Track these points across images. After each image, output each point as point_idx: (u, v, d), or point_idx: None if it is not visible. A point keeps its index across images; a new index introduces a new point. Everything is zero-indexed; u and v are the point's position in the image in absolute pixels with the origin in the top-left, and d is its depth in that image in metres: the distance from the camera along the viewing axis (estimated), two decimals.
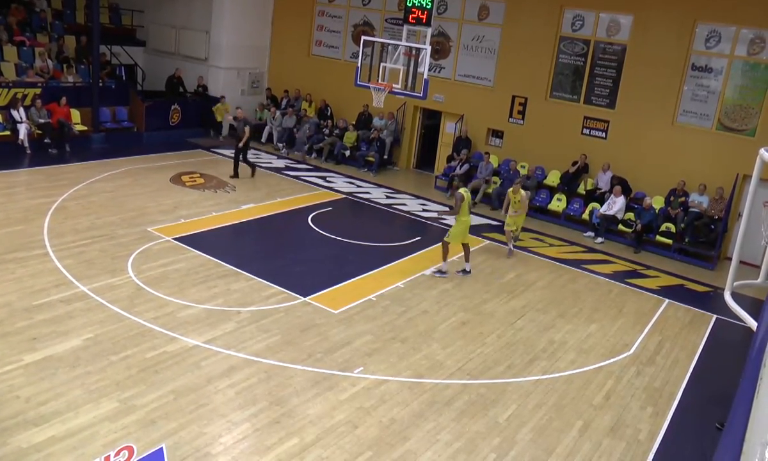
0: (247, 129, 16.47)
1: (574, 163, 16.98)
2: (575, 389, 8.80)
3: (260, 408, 7.41)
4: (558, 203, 16.85)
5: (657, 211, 15.57)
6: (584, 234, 15.92)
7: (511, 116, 18.33)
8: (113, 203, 13.55)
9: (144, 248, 11.41)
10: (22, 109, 16.93)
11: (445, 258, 12.03)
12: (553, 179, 17.49)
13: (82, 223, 12.26)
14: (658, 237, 15.25)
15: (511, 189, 13.60)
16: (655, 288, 12.98)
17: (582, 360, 9.64)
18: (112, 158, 17.07)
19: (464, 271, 12.23)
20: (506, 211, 13.62)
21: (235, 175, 16.65)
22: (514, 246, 13.84)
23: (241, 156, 16.69)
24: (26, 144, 16.63)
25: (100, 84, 18.92)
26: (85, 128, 18.41)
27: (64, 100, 17.64)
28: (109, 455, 6.35)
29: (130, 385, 7.51)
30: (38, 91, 17.65)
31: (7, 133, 16.77)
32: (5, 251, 10.61)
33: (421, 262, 12.57)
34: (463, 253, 12.34)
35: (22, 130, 16.64)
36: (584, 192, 16.78)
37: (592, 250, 14.97)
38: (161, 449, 6.51)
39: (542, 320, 10.78)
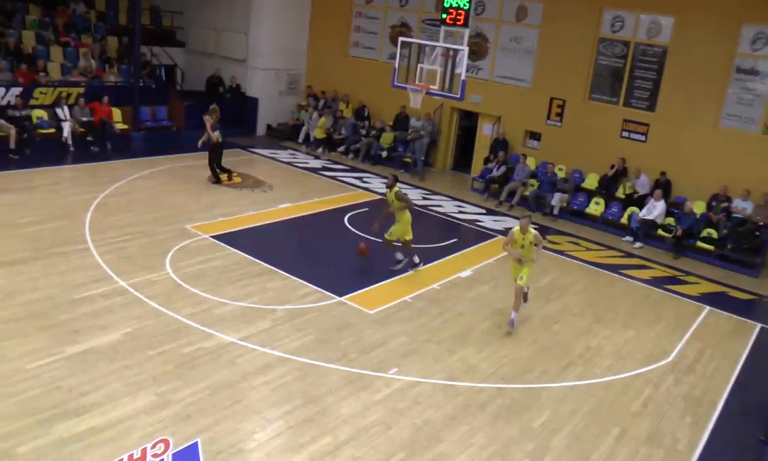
0: (216, 134, 15.62)
1: (612, 166, 16.74)
2: (612, 395, 8.65)
3: (294, 406, 7.44)
4: (596, 207, 16.61)
5: (698, 216, 15.24)
6: (622, 239, 15.66)
7: (548, 117, 18.14)
8: (152, 200, 13.77)
9: (182, 245, 11.57)
10: (66, 108, 17.37)
11: (403, 251, 11.90)
12: (591, 182, 17.25)
13: (123, 219, 12.48)
14: (698, 243, 14.92)
15: (517, 227, 9.98)
16: (695, 295, 12.70)
17: (619, 366, 9.47)
18: (152, 156, 17.37)
19: (414, 265, 11.88)
20: (506, 250, 10.19)
21: (217, 180, 15.82)
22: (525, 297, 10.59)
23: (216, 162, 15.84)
24: (69, 141, 17.02)
25: (141, 84, 19.27)
26: (126, 127, 18.78)
27: (105, 99, 18.02)
28: (146, 447, 6.44)
29: (167, 380, 7.61)
30: (81, 90, 18.09)
31: (52, 130, 17.20)
32: (49, 246, 10.86)
33: (458, 264, 12.51)
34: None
35: (66, 128, 17.06)
36: (623, 196, 16.51)
37: (630, 255, 14.71)
38: (196, 443, 6.58)
39: (578, 325, 10.63)
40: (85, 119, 17.57)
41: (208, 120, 15.67)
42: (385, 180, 12.57)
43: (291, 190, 15.92)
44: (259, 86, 21.55)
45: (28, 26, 19.56)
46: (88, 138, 17.50)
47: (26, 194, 13.02)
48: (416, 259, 11.88)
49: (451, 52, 13.80)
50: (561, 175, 17.22)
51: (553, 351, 9.62)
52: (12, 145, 15.84)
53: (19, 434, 6.45)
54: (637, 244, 15.26)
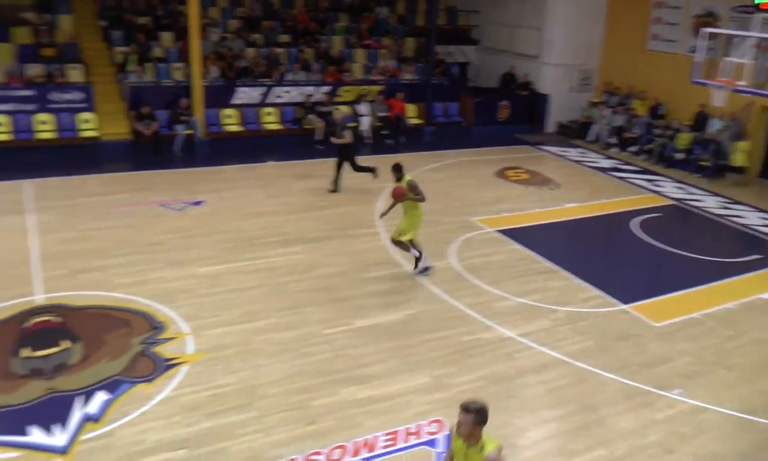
0: (347, 134, 14.09)
1: None
2: None
3: (569, 411, 7.05)
4: None
5: None
6: None
7: None
8: (440, 192, 14.19)
9: (466, 237, 11.72)
10: (365, 104, 18.79)
11: (419, 253, 10.06)
12: None
13: None
14: None
15: None
16: None
17: None
18: (442, 150, 17.98)
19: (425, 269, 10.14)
20: None
21: (335, 188, 14.08)
22: None
23: (351, 165, 14.15)
24: (367, 135, 18.39)
25: (434, 81, 20.08)
26: (419, 122, 19.71)
27: (401, 95, 19.10)
28: (421, 424, 6.58)
29: (444, 364, 7.71)
30: (380, 88, 19.40)
31: (353, 124, 18.67)
32: (343, 227, 11.81)
33: (759, 284, 10.82)
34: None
35: (365, 122, 18.49)
36: None
37: None
38: None
39: None
40: (382, 114, 18.86)
41: (339, 115, 15.19)
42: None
43: (578, 189, 15.28)
44: (550, 83, 21.10)
45: (337, 32, 21.56)
46: (384, 132, 18.73)
47: (328, 180, 14.25)
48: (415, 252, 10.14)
49: (766, 44, 12.05)
50: None
51: None
52: (319, 137, 17.57)
53: (314, 390, 7.11)
54: None
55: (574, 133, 20.65)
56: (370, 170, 14.31)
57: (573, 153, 18.82)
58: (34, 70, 16.54)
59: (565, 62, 21.06)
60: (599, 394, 7.42)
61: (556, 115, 21.28)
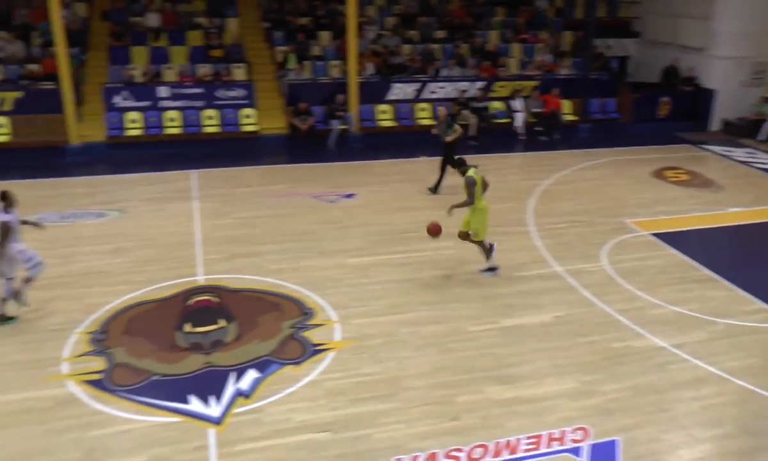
0: (450, 132, 13.37)
1: None
2: None
3: (727, 432, 6.66)
4: None
5: None
6: None
7: None
8: (594, 191, 13.82)
9: (619, 239, 11.35)
10: (520, 100, 18.60)
11: (488, 254, 9.90)
12: None
13: (563, 207, 12.83)
14: None
15: None
16: None
17: None
18: (597, 148, 17.45)
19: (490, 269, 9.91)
20: None
21: (435, 189, 13.60)
22: None
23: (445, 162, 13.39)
24: (521, 131, 18.24)
25: (592, 76, 19.47)
26: (574, 118, 19.22)
27: (556, 91, 18.71)
28: (565, 430, 6.53)
29: (592, 370, 7.58)
30: (535, 83, 19.13)
31: (507, 120, 18.61)
32: (494, 224, 11.73)
33: None
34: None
35: (519, 118, 18.34)
36: None
37: None
38: (616, 441, 6.41)
39: None
40: (536, 110, 18.59)
41: (443, 112, 14.13)
42: None
43: (744, 192, 14.24)
44: (716, 77, 19.69)
45: (493, 26, 21.46)
46: (537, 128, 18.46)
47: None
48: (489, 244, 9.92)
49: None
50: None
51: None
52: (472, 132, 17.65)
53: (458, 386, 7.24)
54: None
55: (743, 131, 19.18)
56: (439, 183, 13.55)
57: (739, 153, 17.54)
58: (204, 69, 18.04)
59: (735, 54, 19.57)
60: (763, 419, 6.93)
61: (721, 112, 19.87)
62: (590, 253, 10.73)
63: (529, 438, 6.45)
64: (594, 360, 7.78)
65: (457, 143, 13.50)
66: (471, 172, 9.56)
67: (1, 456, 6.16)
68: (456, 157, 10.34)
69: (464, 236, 9.89)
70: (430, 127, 18.19)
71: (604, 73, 20.20)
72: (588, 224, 11.89)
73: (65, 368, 7.52)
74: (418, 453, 6.22)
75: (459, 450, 6.28)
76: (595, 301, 9.17)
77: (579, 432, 6.54)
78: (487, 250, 9.92)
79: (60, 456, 6.16)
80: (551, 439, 6.44)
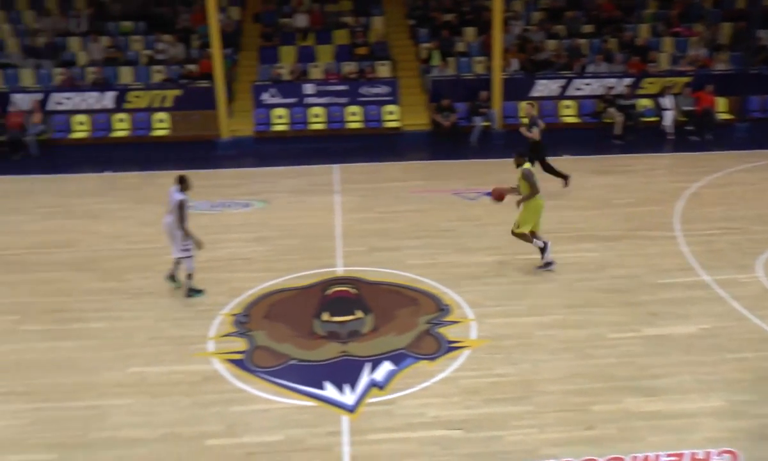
0: (534, 130, 13.08)
1: None
2: None
3: None
4: None
5: None
6: None
7: None
8: (751, 196, 12.87)
9: None
10: (670, 97, 17.66)
11: (543, 250, 9.79)
12: None
13: (715, 212, 12.07)
14: None
15: None
16: None
17: None
18: (755, 150, 16.22)
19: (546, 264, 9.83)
20: None
21: (566, 182, 13.31)
22: None
23: (541, 165, 13.09)
24: (670, 130, 17.32)
25: (752, 71, 18.10)
26: (730, 117, 17.97)
27: (710, 88, 17.61)
28: (711, 452, 6.16)
29: (743, 389, 7.08)
30: (688, 79, 18.08)
31: (655, 118, 17.74)
32: (639, 227, 11.35)
33: None
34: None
35: (668, 116, 17.43)
36: None
37: None
38: None
39: None
40: (687, 108, 17.55)
41: (529, 110, 13.67)
42: None
43: None
44: None
45: (644, 20, 20.47)
46: (688, 127, 17.43)
47: (624, 177, 13.77)
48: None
49: None
50: None
51: None
52: (618, 131, 17.00)
53: (595, 394, 7.02)
54: None
55: None
56: (562, 176, 13.34)
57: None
58: (348, 67, 18.62)
59: None
60: None
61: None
62: (744, 262, 10.02)
63: (669, 455, 6.13)
64: (744, 378, 7.26)
65: (540, 142, 13.26)
66: (528, 164, 9.78)
67: (153, 422, 6.73)
68: (521, 151, 10.29)
69: (528, 235, 9.78)
70: (573, 124, 17.82)
71: (767, 68, 18.70)
72: (743, 232, 11.10)
73: (211, 346, 8.11)
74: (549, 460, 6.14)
75: (593, 460, 6.12)
76: (747, 314, 8.55)
77: (726, 455, 6.13)
78: (540, 245, 9.81)
79: (204, 428, 6.64)
80: (694, 460, 6.11)
